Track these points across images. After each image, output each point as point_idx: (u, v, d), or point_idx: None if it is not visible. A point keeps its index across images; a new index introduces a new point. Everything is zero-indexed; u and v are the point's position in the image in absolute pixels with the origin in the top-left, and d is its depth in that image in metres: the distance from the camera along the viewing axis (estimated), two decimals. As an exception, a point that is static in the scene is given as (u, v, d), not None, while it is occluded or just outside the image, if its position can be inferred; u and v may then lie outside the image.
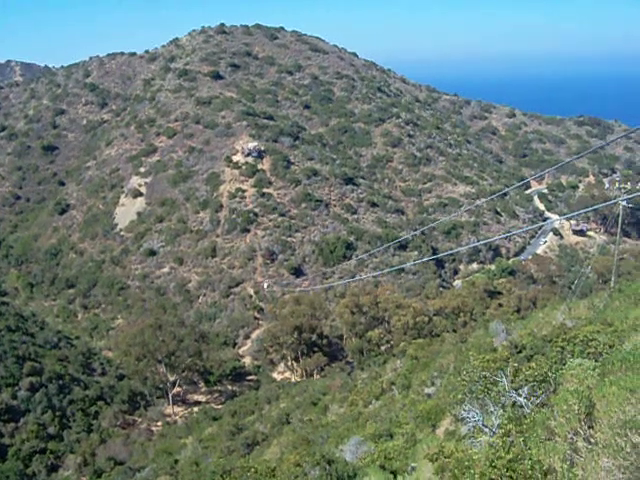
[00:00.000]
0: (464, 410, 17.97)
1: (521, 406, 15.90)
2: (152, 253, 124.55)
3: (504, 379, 17.56)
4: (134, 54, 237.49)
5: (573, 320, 28.97)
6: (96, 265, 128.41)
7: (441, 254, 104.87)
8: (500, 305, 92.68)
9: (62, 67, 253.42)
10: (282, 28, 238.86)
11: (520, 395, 16.27)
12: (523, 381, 16.97)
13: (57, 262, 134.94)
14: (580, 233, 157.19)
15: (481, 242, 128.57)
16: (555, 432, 11.18)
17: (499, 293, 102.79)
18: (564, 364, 17.18)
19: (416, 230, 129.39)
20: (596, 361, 15.94)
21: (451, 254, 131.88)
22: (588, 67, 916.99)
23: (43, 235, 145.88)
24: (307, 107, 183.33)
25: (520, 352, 26.17)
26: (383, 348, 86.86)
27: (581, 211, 62.84)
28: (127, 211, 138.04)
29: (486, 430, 16.48)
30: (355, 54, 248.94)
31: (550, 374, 16.42)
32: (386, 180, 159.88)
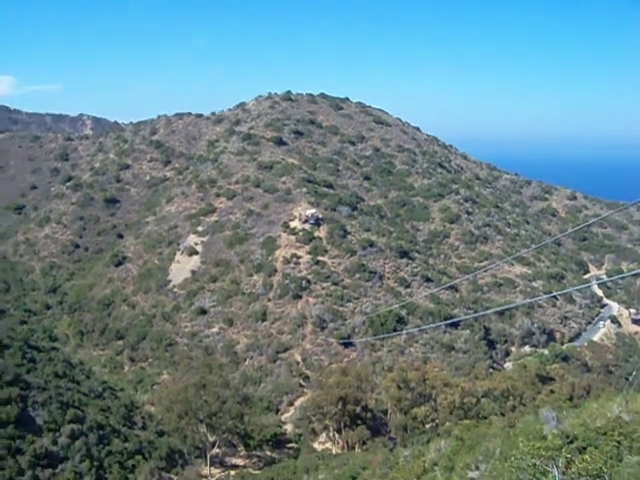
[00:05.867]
0: (511, 499, 17.10)
1: (572, 501, 15.06)
2: (203, 312, 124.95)
3: (555, 470, 16.71)
4: (200, 115, 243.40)
5: (630, 414, 27.68)
6: (147, 319, 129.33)
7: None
8: (552, 391, 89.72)
9: (131, 123, 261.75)
10: (347, 99, 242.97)
11: (572, 489, 15.43)
12: (575, 474, 16.11)
13: (109, 313, 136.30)
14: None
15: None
16: (610, 533, 10.45)
17: (551, 379, 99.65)
18: (620, 460, 16.32)
19: (470, 309, 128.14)
20: (656, 460, 15.08)
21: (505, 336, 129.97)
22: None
23: (98, 285, 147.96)
24: (367, 178, 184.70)
25: (572, 442, 25.00)
26: (428, 426, 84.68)
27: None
28: (182, 268, 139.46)
29: (534, 523, 15.62)
30: (418, 128, 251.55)
31: (605, 469, 15.57)
32: (442, 256, 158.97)
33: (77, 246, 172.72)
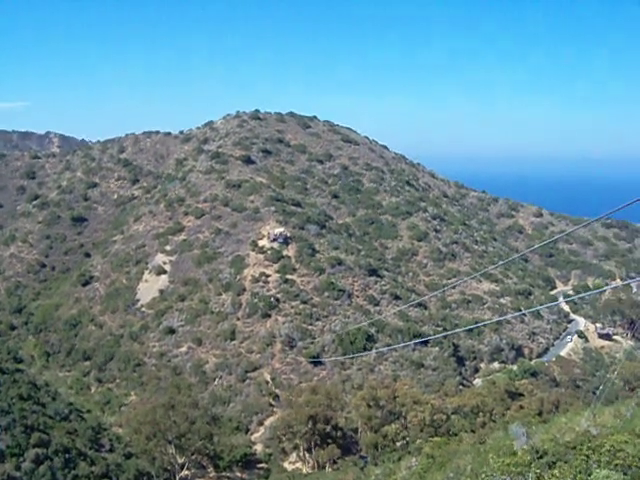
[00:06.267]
0: (481, 516, 17.01)
1: (543, 516, 15.00)
2: (171, 331, 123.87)
3: (525, 486, 16.67)
4: (169, 134, 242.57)
5: (598, 428, 27.80)
6: (114, 339, 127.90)
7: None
8: (521, 407, 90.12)
9: (98, 142, 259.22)
10: (315, 117, 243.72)
11: (542, 504, 15.38)
12: (546, 489, 16.07)
13: (75, 333, 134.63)
14: (606, 337, 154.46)
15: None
16: None
17: (520, 394, 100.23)
18: (589, 474, 16.33)
19: (439, 327, 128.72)
20: (625, 474, 15.10)
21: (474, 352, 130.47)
22: (617, 169, 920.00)
23: (64, 305, 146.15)
24: (335, 196, 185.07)
25: (541, 457, 25.01)
26: (398, 444, 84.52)
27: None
28: (150, 287, 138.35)
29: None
30: (385, 147, 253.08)
31: (575, 484, 15.54)
32: (410, 273, 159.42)
33: (43, 265, 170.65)
